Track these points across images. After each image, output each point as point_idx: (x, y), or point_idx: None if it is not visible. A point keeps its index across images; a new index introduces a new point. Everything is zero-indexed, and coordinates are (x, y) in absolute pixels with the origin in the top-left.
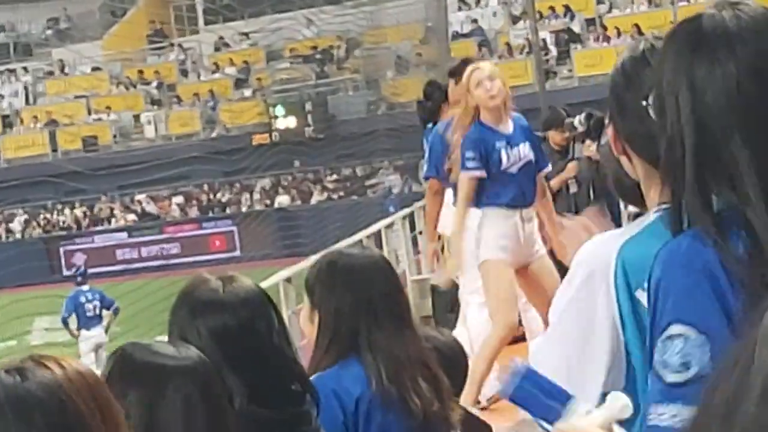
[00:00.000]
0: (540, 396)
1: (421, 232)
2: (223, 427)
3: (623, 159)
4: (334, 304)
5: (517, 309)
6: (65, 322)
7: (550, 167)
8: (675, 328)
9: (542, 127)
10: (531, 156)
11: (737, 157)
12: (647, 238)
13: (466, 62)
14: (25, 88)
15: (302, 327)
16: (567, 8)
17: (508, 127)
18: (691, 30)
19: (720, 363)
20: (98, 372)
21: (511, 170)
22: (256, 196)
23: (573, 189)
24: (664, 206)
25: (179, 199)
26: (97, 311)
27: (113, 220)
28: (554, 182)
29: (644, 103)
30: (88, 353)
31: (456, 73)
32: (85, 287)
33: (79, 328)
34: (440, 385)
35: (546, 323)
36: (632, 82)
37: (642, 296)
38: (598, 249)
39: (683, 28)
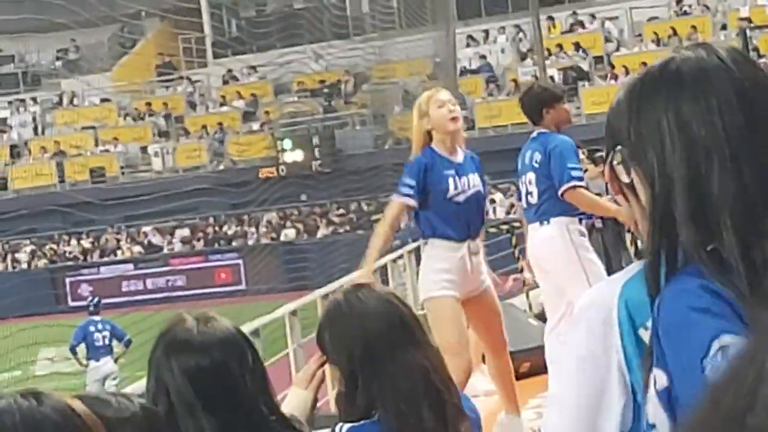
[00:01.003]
0: None
1: None
2: None
3: (620, 198)
4: (341, 362)
5: (468, 346)
6: (73, 351)
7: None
8: (725, 339)
9: None
10: (480, 187)
11: (720, 191)
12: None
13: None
14: (34, 118)
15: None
16: (575, 46)
17: (458, 157)
18: (668, 70)
19: (726, 369)
20: None
21: (458, 199)
22: (263, 229)
23: (598, 225)
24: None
25: (185, 231)
26: (107, 342)
27: (119, 251)
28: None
29: (612, 154)
30: (95, 383)
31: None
32: (97, 317)
33: (88, 358)
34: (444, 408)
35: (490, 352)
36: None
37: (644, 335)
38: (603, 294)
39: (658, 71)
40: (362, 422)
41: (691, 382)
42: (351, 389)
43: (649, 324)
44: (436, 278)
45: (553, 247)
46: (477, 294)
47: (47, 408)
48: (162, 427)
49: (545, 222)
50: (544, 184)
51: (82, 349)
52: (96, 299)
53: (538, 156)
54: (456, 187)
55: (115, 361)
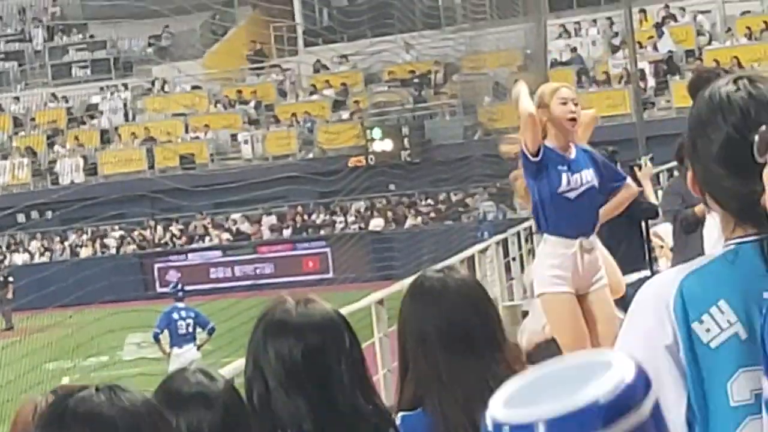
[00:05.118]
0: None
1: (514, 258)
2: None
3: (707, 198)
4: (399, 347)
5: (587, 341)
6: (156, 338)
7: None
8: None
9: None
10: (594, 182)
11: None
12: (708, 273)
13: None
14: (125, 104)
15: None
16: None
17: (571, 153)
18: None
19: None
20: None
21: (568, 195)
22: (351, 218)
23: None
24: (731, 242)
25: (273, 219)
26: (190, 329)
27: (208, 238)
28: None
29: (755, 139)
30: None
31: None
32: (181, 304)
33: (171, 346)
34: None
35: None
36: (705, 128)
37: (698, 328)
38: (662, 285)
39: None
40: (416, 411)
41: None
42: (401, 377)
43: (705, 318)
44: (548, 273)
45: None
46: (590, 292)
47: (125, 401)
48: (240, 406)
49: None
50: None
51: (165, 336)
52: (181, 286)
53: None
54: (568, 183)
55: (198, 348)
